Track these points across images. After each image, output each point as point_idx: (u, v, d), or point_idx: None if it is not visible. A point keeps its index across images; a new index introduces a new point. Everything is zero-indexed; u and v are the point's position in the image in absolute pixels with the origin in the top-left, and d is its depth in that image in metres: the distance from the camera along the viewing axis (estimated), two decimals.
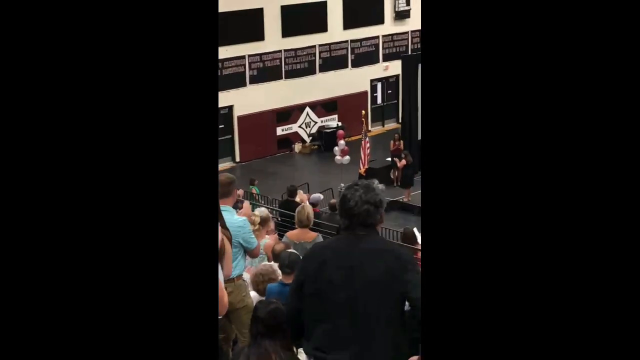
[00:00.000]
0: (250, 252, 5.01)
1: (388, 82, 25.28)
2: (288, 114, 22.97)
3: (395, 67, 23.61)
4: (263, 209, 7.74)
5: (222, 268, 3.93)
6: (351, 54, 24.07)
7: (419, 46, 23.57)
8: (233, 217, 4.82)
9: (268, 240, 6.78)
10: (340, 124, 23.16)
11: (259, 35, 21.80)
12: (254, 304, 3.63)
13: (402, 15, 24.78)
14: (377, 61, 24.73)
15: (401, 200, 17.78)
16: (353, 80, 23.97)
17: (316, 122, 23.60)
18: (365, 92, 24.58)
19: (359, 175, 17.25)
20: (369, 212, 2.71)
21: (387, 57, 24.76)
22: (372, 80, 24.85)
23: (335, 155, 18.73)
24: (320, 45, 23.24)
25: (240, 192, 4.63)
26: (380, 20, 24.52)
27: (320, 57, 23.37)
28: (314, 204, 10.80)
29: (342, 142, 18.74)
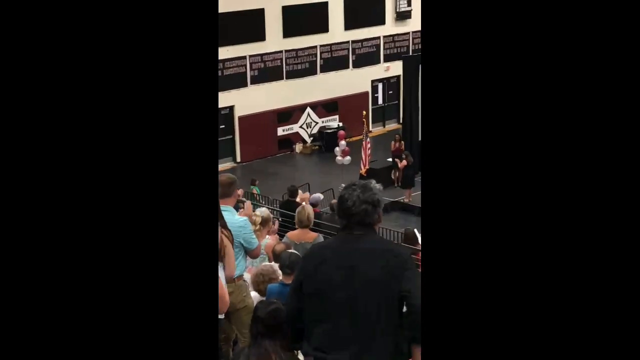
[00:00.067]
0: (250, 253, 5.01)
1: (389, 83, 25.29)
2: (289, 115, 22.97)
3: (396, 68, 23.61)
4: (264, 209, 7.74)
5: (224, 268, 3.94)
6: (352, 54, 24.06)
7: (420, 47, 23.53)
8: (234, 217, 4.82)
9: (269, 240, 6.78)
10: (341, 124, 23.16)
11: (260, 36, 21.80)
12: (255, 304, 3.63)
13: (403, 16, 24.77)
14: (378, 62, 24.73)
15: (402, 200, 17.78)
16: (354, 81, 23.97)
17: (317, 123, 23.60)
18: (366, 93, 24.57)
19: (359, 176, 17.25)
20: (367, 211, 2.71)
21: (388, 58, 24.76)
22: (373, 81, 24.85)
23: (336, 156, 18.73)
24: (321, 46, 23.24)
25: (240, 192, 4.62)
26: (382, 21, 24.51)
27: (321, 58, 23.37)
28: (314, 204, 10.79)
29: (343, 142, 18.74)
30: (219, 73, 20.15)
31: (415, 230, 9.67)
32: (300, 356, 2.83)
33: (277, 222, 8.53)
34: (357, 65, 24.21)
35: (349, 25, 23.62)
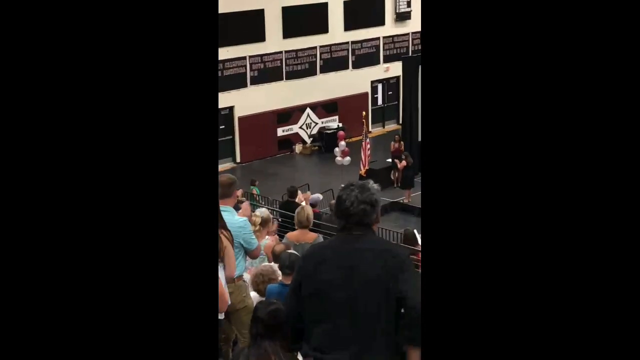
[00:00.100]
0: (250, 253, 5.01)
1: (389, 84, 25.28)
2: (289, 115, 22.97)
3: (396, 69, 23.62)
4: (264, 209, 7.74)
5: (224, 269, 3.94)
6: (352, 55, 24.07)
7: (419, 47, 23.54)
8: (234, 218, 4.83)
9: (268, 241, 6.78)
10: (340, 125, 23.15)
11: (259, 36, 21.80)
12: (254, 305, 3.63)
13: (402, 17, 24.78)
14: (378, 62, 24.73)
15: (401, 201, 17.78)
16: (354, 82, 23.97)
17: (317, 123, 23.60)
18: (366, 94, 24.57)
19: (359, 176, 17.25)
20: (365, 211, 2.71)
21: (388, 59, 24.76)
22: (372, 82, 24.85)
23: (335, 156, 18.73)
24: (321, 47, 23.24)
25: (239, 192, 4.61)
26: (381, 22, 24.51)
27: (321, 58, 23.37)
28: (313, 205, 10.79)
29: (342, 143, 18.75)
30: (219, 73, 20.15)
31: (415, 231, 9.66)
32: (300, 357, 2.83)
33: (275, 223, 8.53)
34: (356, 65, 24.21)
35: (349, 26, 23.63)
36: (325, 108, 23.72)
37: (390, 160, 19.18)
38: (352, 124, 22.26)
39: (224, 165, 20.54)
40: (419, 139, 18.30)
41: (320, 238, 6.96)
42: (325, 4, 23.05)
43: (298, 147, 23.20)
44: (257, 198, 15.68)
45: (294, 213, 7.44)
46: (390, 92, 25.34)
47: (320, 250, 2.90)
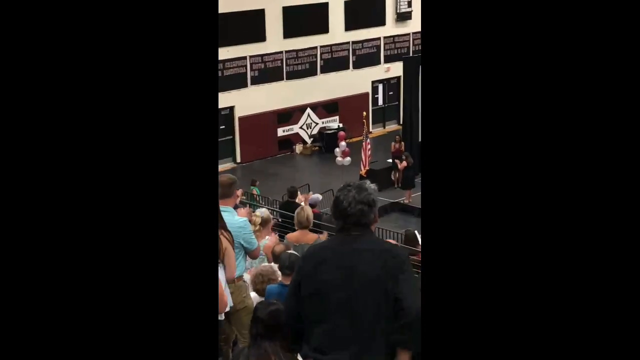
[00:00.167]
0: (251, 253, 5.01)
1: (389, 84, 25.29)
2: (289, 115, 22.97)
3: (396, 69, 23.62)
4: (264, 209, 7.74)
5: (224, 269, 3.94)
6: (352, 55, 24.07)
7: (420, 48, 23.53)
8: (234, 218, 4.83)
9: (267, 241, 6.77)
10: (341, 125, 23.16)
11: (260, 36, 21.80)
12: (254, 305, 3.63)
13: (403, 17, 24.78)
14: (379, 63, 24.74)
15: (402, 201, 17.78)
16: (354, 82, 23.97)
17: (317, 124, 23.60)
18: (367, 94, 24.58)
19: (359, 177, 17.25)
20: (362, 211, 2.72)
21: (389, 59, 24.76)
22: (373, 82, 24.86)
23: (336, 157, 18.73)
24: (321, 47, 23.24)
25: (239, 192, 4.62)
26: (382, 22, 24.51)
27: (321, 59, 23.38)
28: (312, 205, 10.78)
29: (343, 143, 18.75)
30: (220, 73, 20.16)
31: (416, 232, 9.66)
32: (300, 358, 2.83)
33: (273, 221, 8.51)
34: (357, 66, 24.21)
35: (350, 26, 23.63)
36: (325, 108, 23.72)
37: (390, 160, 19.19)
38: (353, 124, 22.26)
39: (224, 166, 20.55)
40: (420, 139, 18.30)
41: (321, 239, 6.96)
42: (326, 4, 23.05)
43: (298, 148, 23.20)
44: (258, 198, 15.68)
45: (294, 213, 7.44)
46: (391, 93, 25.34)
47: (319, 251, 2.90)
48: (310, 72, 23.21)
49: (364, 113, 19.77)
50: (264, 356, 3.02)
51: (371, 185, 2.83)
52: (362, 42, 24.14)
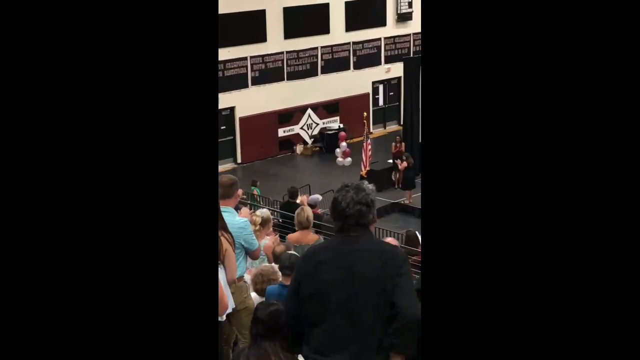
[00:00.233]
0: (251, 254, 5.02)
1: (390, 84, 25.29)
2: (290, 116, 22.98)
3: (397, 69, 23.62)
4: (265, 210, 7.74)
5: (225, 270, 3.94)
6: (353, 55, 24.07)
7: (420, 48, 23.52)
8: (235, 219, 4.83)
9: (267, 242, 6.77)
10: (341, 125, 23.16)
11: (261, 37, 21.81)
12: (255, 306, 3.63)
13: (404, 18, 24.78)
14: (379, 63, 24.74)
15: (402, 202, 17.78)
16: (355, 82, 23.98)
17: (318, 124, 23.60)
18: (367, 94, 24.57)
19: (360, 177, 17.25)
20: (361, 212, 2.72)
21: (389, 59, 24.76)
22: (374, 82, 24.86)
23: (336, 157, 18.74)
24: (322, 47, 23.24)
25: (239, 192, 4.62)
26: (382, 22, 24.51)
27: (322, 59, 23.38)
28: (312, 206, 10.77)
29: (343, 143, 18.76)
30: (220, 74, 20.16)
31: (417, 232, 9.66)
32: (301, 358, 2.83)
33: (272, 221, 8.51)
34: (358, 66, 24.22)
35: (350, 26, 23.63)
36: (326, 109, 23.73)
37: (391, 161, 19.19)
38: (353, 124, 22.27)
39: (224, 166, 20.55)
40: (420, 140, 18.30)
41: (322, 240, 6.95)
42: (327, 5, 23.05)
43: (299, 148, 23.20)
44: (258, 199, 15.68)
45: (294, 214, 7.44)
46: (392, 93, 25.34)
47: (319, 251, 2.91)
48: (311, 72, 23.22)
49: (365, 114, 19.78)
50: (264, 356, 3.02)
51: (369, 186, 2.83)
52: (362, 42, 24.14)
